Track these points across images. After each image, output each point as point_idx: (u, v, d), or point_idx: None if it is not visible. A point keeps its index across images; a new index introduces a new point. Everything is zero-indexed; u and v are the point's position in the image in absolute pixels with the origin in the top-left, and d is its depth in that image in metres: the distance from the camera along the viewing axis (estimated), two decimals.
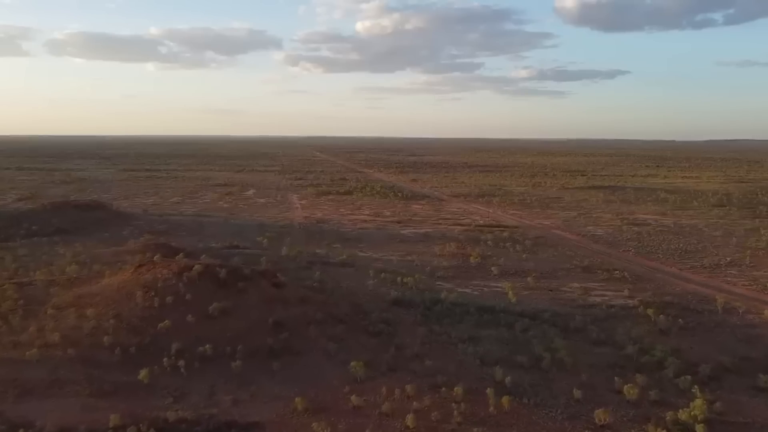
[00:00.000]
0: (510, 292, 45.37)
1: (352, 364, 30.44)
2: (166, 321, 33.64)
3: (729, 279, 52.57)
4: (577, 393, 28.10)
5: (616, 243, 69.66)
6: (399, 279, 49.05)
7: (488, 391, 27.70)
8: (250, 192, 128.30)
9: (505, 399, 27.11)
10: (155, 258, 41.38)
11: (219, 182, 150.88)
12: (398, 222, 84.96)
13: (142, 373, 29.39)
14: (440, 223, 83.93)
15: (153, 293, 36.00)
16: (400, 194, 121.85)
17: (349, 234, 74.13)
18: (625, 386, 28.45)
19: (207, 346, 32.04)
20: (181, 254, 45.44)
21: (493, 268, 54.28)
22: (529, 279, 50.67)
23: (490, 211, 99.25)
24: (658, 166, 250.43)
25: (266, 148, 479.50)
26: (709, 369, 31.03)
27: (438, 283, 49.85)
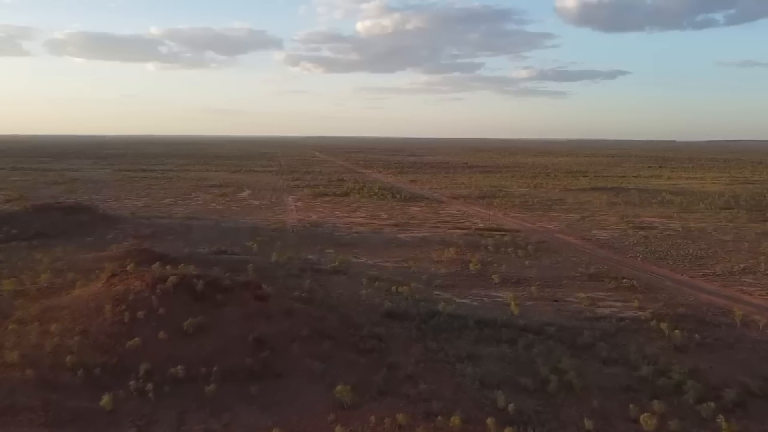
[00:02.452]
0: (512, 303, 42.32)
1: (338, 388, 27.45)
2: (136, 338, 30.65)
3: (744, 288, 49.52)
4: (588, 423, 25.11)
5: (623, 248, 66.61)
6: (394, 288, 46.04)
7: (489, 421, 24.71)
8: (245, 193, 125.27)
9: (507, 430, 24.15)
10: (128, 267, 38.31)
11: (214, 183, 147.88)
12: (395, 225, 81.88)
13: (105, 399, 26.42)
14: (439, 227, 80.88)
15: (123, 307, 32.96)
16: (398, 196, 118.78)
17: (343, 238, 71.08)
18: (642, 415, 25.46)
19: (179, 367, 29.03)
20: (157, 263, 42.38)
21: (494, 276, 51.25)
22: (532, 288, 47.66)
23: (491, 213, 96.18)
24: (660, 166, 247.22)
25: (266, 148, 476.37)
26: (734, 394, 27.99)
27: (435, 292, 46.82)
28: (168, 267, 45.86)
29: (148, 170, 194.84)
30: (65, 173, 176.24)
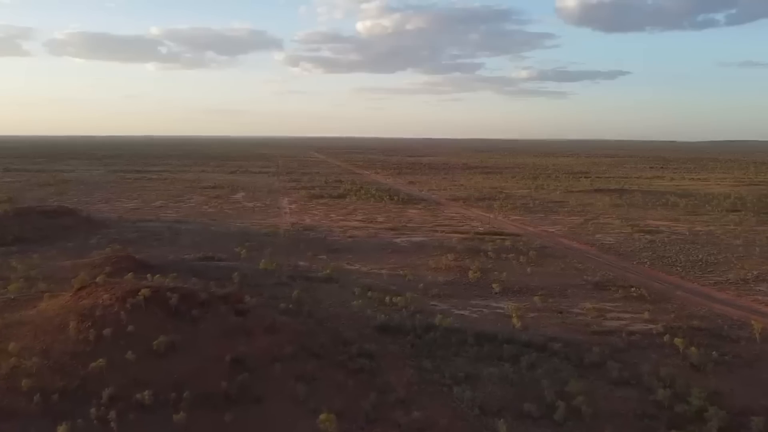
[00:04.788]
0: (514, 315, 39.52)
1: (322, 416, 24.64)
2: (101, 360, 27.79)
3: (759, 297, 46.67)
4: None
5: (629, 254, 63.74)
6: (388, 298, 43.20)
7: None
8: (239, 195, 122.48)
9: None
10: (98, 279, 35.51)
11: (209, 184, 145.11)
12: (392, 229, 79.05)
13: (61, 429, 23.59)
14: (437, 231, 78.03)
15: (89, 324, 30.17)
16: (395, 198, 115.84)
17: (337, 243, 68.23)
18: None
19: (146, 391, 26.16)
20: (131, 274, 39.57)
21: (494, 285, 48.36)
22: (535, 298, 44.82)
23: (491, 216, 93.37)
24: (662, 167, 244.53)
25: (265, 148, 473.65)
26: (762, 422, 25.14)
27: (432, 303, 43.99)
28: (148, 276, 43.25)
29: (144, 171, 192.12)
30: (59, 174, 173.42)
